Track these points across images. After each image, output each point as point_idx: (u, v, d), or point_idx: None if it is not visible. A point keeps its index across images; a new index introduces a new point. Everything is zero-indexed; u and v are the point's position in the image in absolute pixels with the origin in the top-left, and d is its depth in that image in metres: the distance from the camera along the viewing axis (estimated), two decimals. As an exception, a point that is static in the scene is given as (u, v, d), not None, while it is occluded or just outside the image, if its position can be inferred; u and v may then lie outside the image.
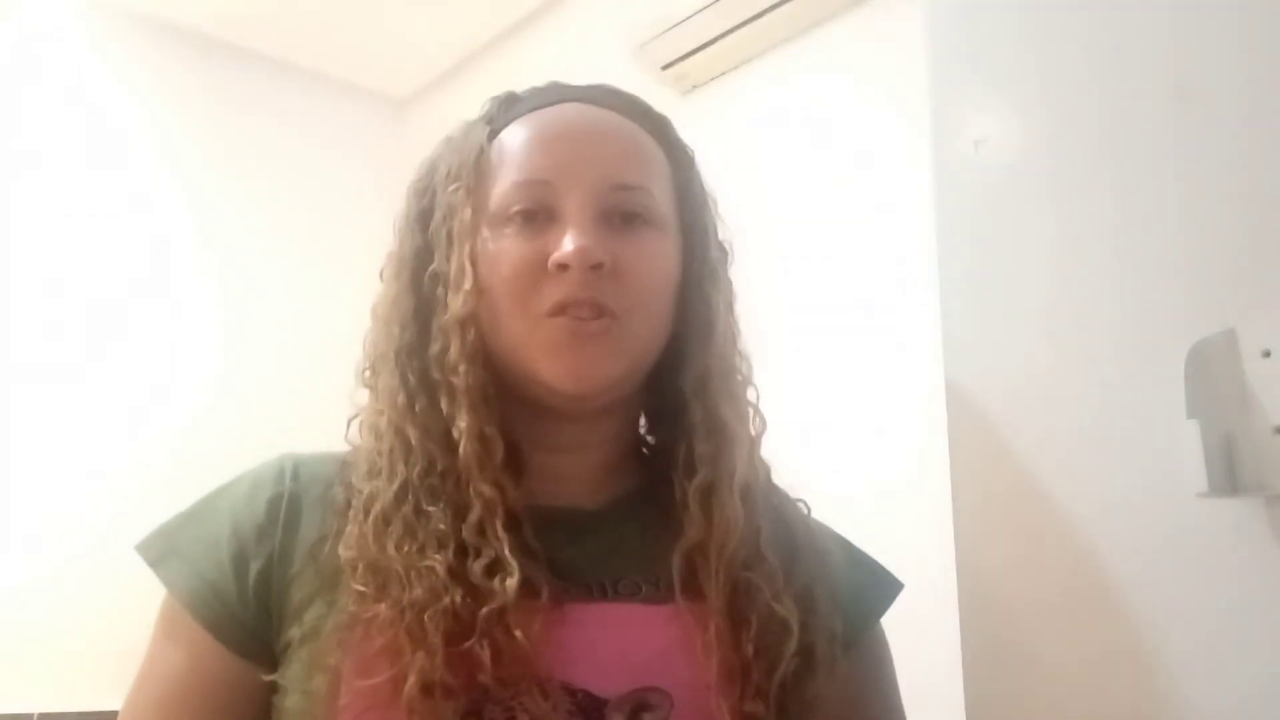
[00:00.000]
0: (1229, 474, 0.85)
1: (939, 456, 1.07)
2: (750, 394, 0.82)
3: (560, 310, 0.73)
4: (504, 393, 0.77)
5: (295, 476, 0.78)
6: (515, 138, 0.80)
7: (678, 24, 1.87)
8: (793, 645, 0.73)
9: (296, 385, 2.22)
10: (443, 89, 2.62)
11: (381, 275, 0.83)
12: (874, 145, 1.67)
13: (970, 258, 1.08)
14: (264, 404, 2.23)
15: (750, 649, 0.73)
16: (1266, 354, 0.85)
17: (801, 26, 1.79)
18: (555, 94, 0.83)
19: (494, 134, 0.81)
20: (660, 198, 0.80)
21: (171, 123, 2.38)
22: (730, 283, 0.84)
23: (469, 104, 0.86)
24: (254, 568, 0.74)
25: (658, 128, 0.84)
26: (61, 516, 2.05)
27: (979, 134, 1.08)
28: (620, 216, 0.77)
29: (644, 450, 0.87)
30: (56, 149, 2.22)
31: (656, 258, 0.79)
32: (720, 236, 0.85)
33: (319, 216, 2.50)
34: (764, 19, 1.80)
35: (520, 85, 0.86)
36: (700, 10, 1.83)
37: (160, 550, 0.78)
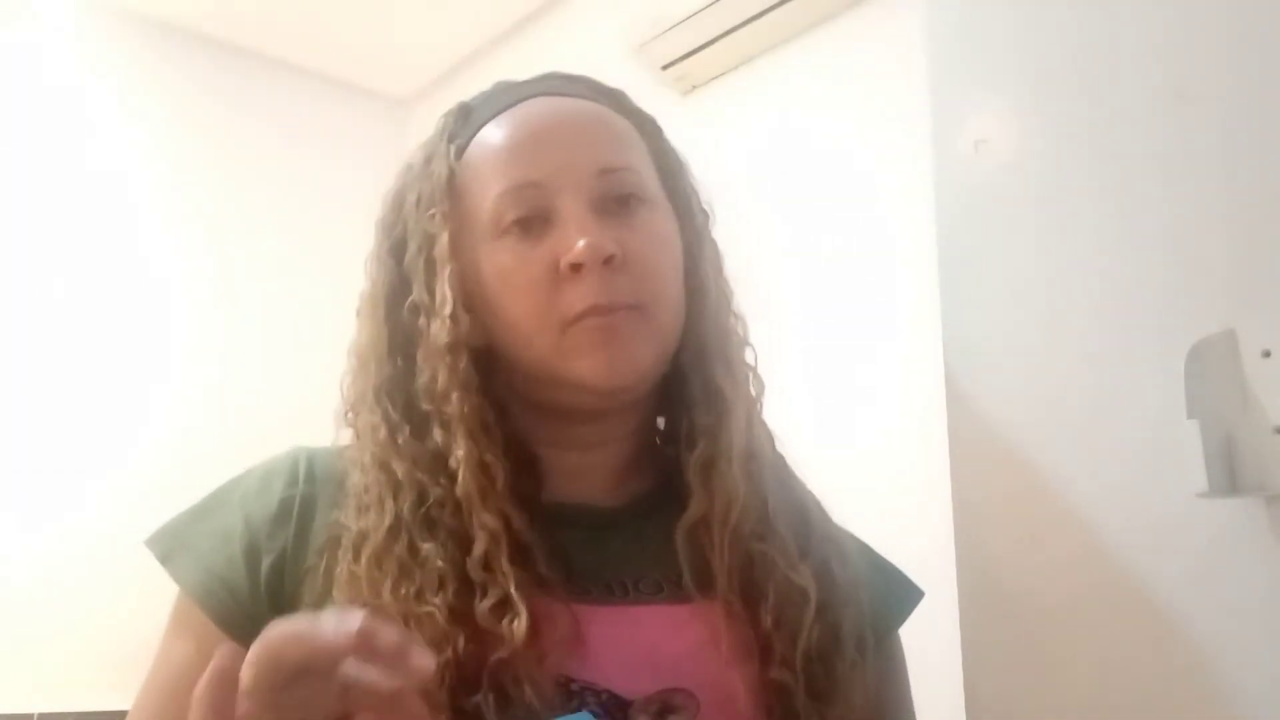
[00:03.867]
0: (1229, 474, 0.85)
1: (940, 456, 1.07)
2: (748, 355, 0.81)
3: (586, 314, 0.72)
4: (521, 407, 0.76)
5: (309, 476, 0.77)
6: (486, 148, 0.78)
7: (678, 24, 1.87)
8: (811, 612, 0.72)
9: (295, 387, 2.20)
10: (443, 89, 2.62)
11: (358, 314, 0.81)
12: (874, 145, 1.67)
13: (970, 257, 1.08)
14: (262, 406, 2.23)
15: (769, 620, 0.72)
16: (1266, 354, 0.85)
17: (802, 26, 1.80)
18: (511, 94, 0.81)
19: (460, 151, 0.79)
20: (644, 172, 0.79)
21: (168, 123, 2.37)
22: (715, 244, 0.83)
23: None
24: (266, 562, 0.73)
25: (617, 102, 0.83)
26: (62, 517, 2.05)
27: (979, 134, 1.08)
28: (615, 200, 0.76)
29: (658, 442, 0.85)
30: (49, 148, 2.21)
31: (660, 238, 0.78)
32: (701, 200, 0.84)
33: (319, 217, 2.49)
34: (764, 19, 1.80)
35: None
36: (700, 10, 1.83)
37: (170, 545, 0.77)
